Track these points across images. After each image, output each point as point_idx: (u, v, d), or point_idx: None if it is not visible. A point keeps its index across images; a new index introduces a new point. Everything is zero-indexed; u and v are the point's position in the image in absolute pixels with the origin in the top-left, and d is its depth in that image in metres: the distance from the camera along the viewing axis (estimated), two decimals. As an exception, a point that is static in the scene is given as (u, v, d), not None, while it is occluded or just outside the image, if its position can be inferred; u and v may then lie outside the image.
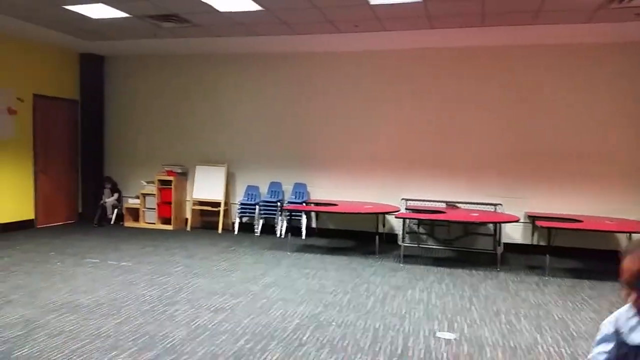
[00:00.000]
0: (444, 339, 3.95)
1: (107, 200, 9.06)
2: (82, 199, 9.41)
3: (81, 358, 3.38)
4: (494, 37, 7.04)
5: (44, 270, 5.70)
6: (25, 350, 3.49)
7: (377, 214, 7.25)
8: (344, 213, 7.57)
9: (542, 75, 7.38)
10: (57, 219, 8.93)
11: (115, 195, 9.17)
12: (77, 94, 9.27)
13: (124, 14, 6.54)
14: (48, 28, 7.46)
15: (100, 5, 6.19)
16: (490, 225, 7.37)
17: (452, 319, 4.44)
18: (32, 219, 8.44)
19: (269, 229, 8.53)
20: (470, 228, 7.59)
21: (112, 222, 9.11)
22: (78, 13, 6.57)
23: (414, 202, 7.82)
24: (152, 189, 8.90)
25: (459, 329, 4.17)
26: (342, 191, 8.30)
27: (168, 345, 3.65)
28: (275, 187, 8.62)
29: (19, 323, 3.99)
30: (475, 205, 7.55)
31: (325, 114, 8.36)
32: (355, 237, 8.14)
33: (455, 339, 3.94)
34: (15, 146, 8.07)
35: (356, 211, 7.14)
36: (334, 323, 4.23)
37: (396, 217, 7.25)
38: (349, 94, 8.23)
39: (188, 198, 9.04)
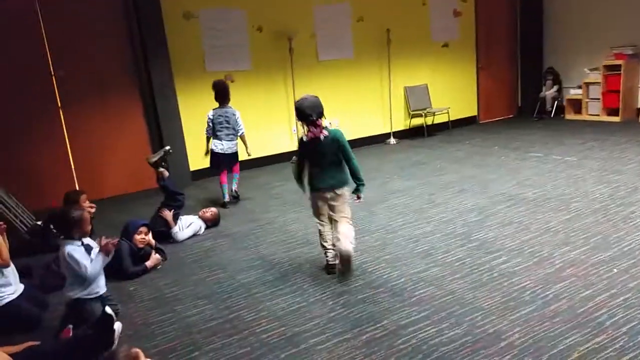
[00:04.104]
0: None
1: (546, 92, 8.77)
2: (521, 93, 9.43)
3: (532, 249, 3.49)
4: None
5: (490, 163, 6.10)
6: (481, 234, 3.86)
7: None
8: None
9: None
10: (496, 114, 9.31)
11: (555, 87, 8.75)
12: (513, -14, 9.03)
13: None
14: None
15: None
16: None
17: None
18: (475, 115, 9.09)
19: None
20: None
21: (552, 115, 8.81)
22: None
23: None
24: (597, 76, 8.01)
25: None
26: None
27: (625, 249, 3.32)
28: None
29: (474, 210, 4.44)
30: None
31: None
32: None
33: None
34: (459, 47, 8.64)
35: None
36: None
37: None
38: None
39: (641, 84, 7.73)
